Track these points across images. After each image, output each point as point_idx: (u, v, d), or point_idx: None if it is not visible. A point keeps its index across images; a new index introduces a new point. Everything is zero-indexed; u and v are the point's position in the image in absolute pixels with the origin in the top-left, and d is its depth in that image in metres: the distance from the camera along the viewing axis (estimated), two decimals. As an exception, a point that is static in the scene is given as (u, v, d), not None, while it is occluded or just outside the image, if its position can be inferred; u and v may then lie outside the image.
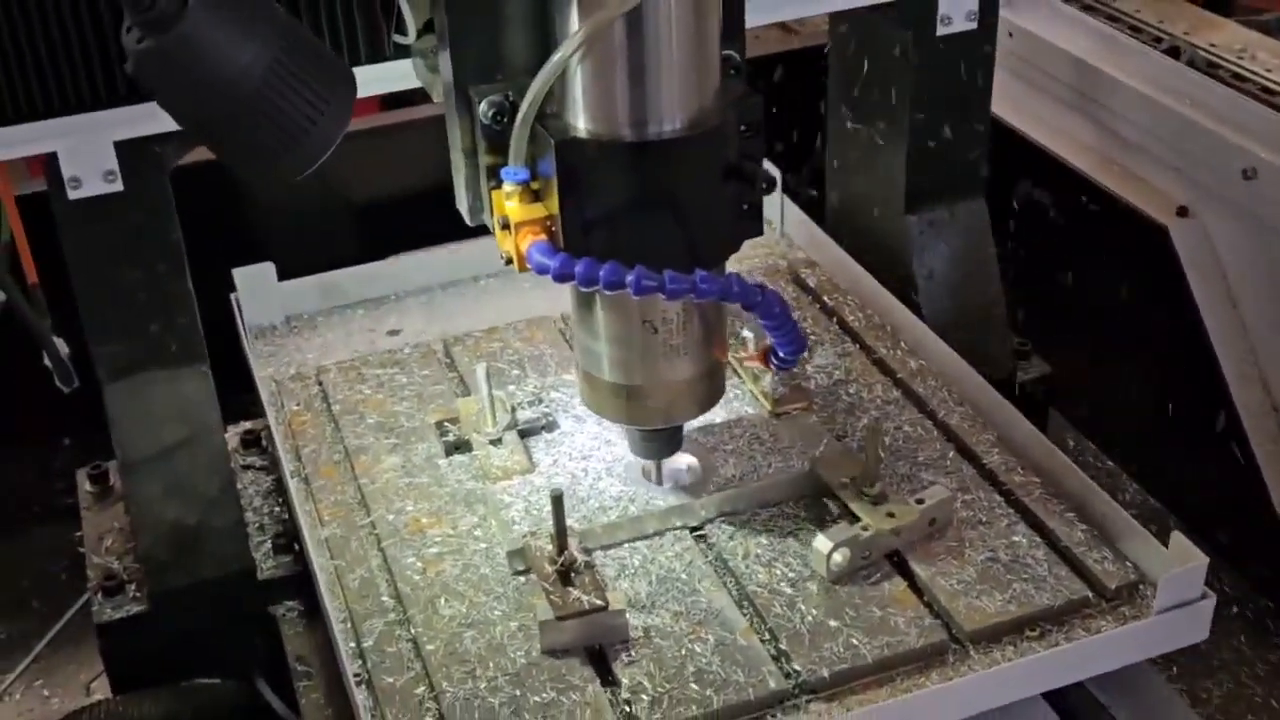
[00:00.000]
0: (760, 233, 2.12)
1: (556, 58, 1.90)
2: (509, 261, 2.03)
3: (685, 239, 2.01)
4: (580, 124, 1.97)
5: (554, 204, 1.97)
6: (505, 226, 2.01)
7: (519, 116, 1.96)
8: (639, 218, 1.98)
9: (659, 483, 2.34)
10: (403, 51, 2.28)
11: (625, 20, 1.89)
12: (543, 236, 1.98)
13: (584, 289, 1.97)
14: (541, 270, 1.96)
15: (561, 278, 1.94)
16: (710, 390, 2.24)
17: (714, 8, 1.97)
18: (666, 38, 1.91)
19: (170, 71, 1.80)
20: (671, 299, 2.00)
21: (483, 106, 2.01)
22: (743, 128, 2.03)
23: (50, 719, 2.64)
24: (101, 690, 2.72)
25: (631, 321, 2.12)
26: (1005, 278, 2.98)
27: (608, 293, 1.95)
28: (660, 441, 2.30)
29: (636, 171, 1.97)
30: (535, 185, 2.00)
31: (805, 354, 2.45)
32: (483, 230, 2.13)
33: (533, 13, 2.01)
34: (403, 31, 2.22)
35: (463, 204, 2.14)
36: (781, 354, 2.32)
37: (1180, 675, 2.71)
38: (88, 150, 2.31)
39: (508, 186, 1.99)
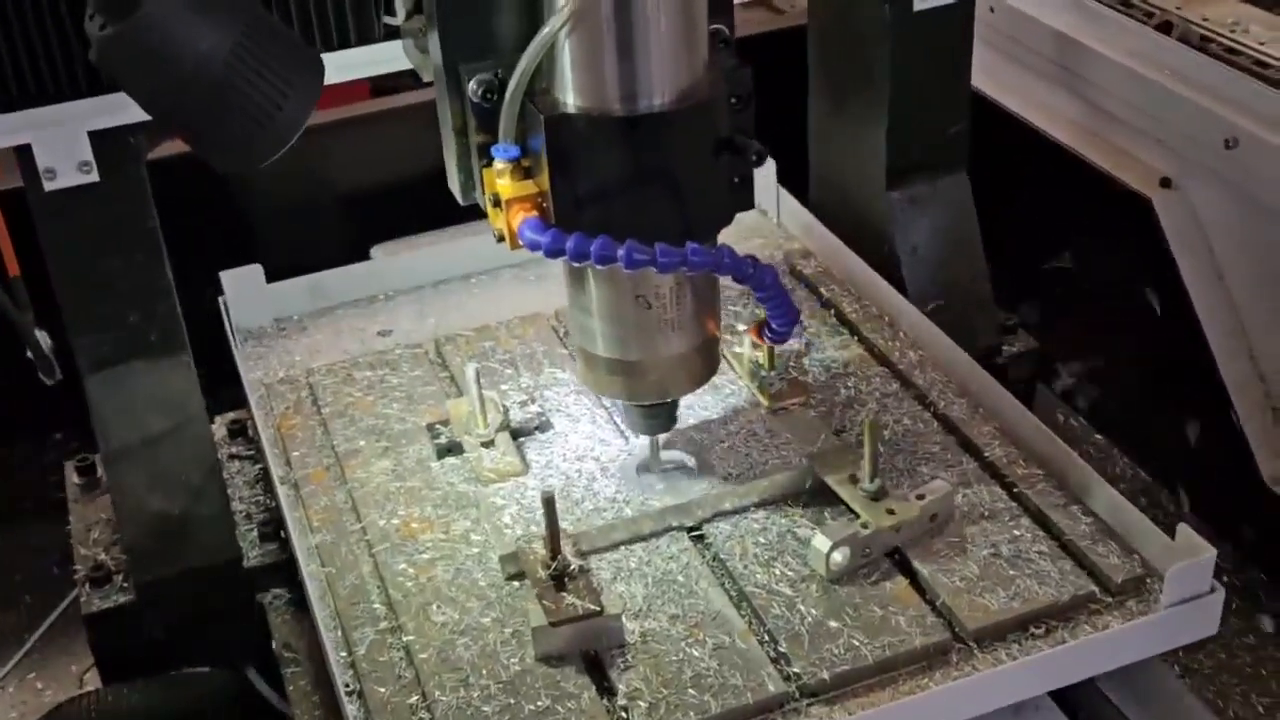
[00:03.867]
0: (751, 205, 2.04)
1: (544, 33, 1.84)
2: (501, 239, 1.98)
3: (677, 213, 1.94)
4: (570, 99, 1.90)
5: (545, 180, 1.91)
6: (497, 204, 1.96)
7: (508, 93, 1.90)
8: (630, 192, 1.92)
9: (654, 469, 2.25)
10: (392, 33, 2.22)
11: None
12: (534, 213, 1.92)
13: (576, 264, 1.92)
14: (533, 246, 1.90)
15: (553, 253, 1.88)
16: (705, 364, 2.16)
17: (702, -20, 1.91)
18: (655, 10, 1.84)
19: (133, 58, 1.76)
20: (663, 272, 1.93)
21: (472, 85, 1.95)
22: (733, 100, 1.96)
23: (43, 710, 2.56)
24: (94, 682, 2.65)
25: (624, 297, 2.05)
26: (989, 252, 2.91)
27: (600, 267, 1.90)
28: (658, 417, 2.21)
29: (627, 146, 1.90)
30: (526, 162, 1.94)
31: (799, 326, 2.37)
32: (472, 216, 2.10)
33: None
34: (391, 13, 2.19)
35: (454, 183, 2.07)
36: (775, 326, 2.24)
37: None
38: (62, 141, 2.26)
39: (498, 164, 1.93)
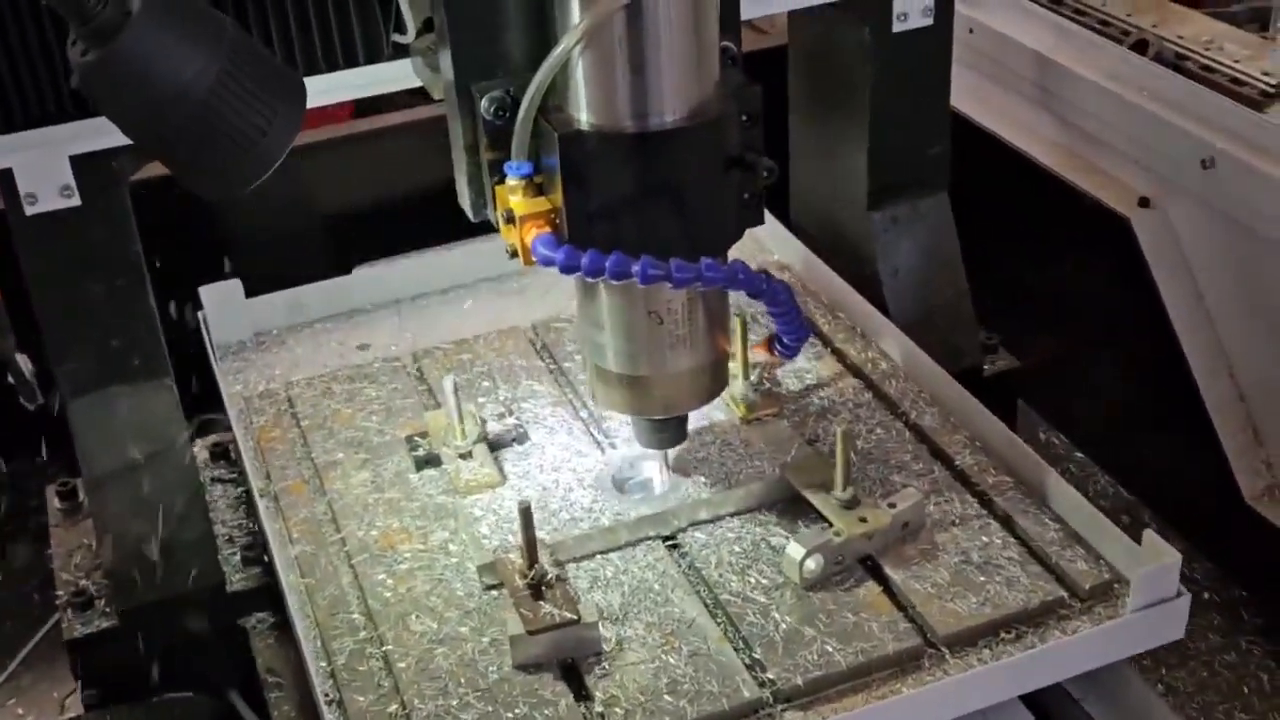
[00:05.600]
0: (761, 221, 2.08)
1: (558, 51, 1.88)
2: (514, 255, 2.01)
3: (688, 229, 1.99)
4: (582, 116, 1.94)
5: (558, 197, 1.95)
6: (510, 220, 1.99)
7: (521, 110, 1.94)
8: (642, 208, 1.96)
9: (662, 486, 2.32)
10: (401, 51, 2.27)
11: (625, 12, 1.86)
12: (547, 229, 1.96)
13: (590, 280, 1.96)
14: (547, 263, 1.94)
15: (568, 269, 1.92)
16: (715, 380, 2.20)
17: (713, -2, 1.95)
18: (667, 29, 1.88)
19: (115, 84, 1.76)
20: (678, 287, 1.98)
21: (484, 102, 1.99)
22: (743, 117, 1.99)
23: None
24: (76, 708, 2.63)
25: (637, 312, 2.08)
26: (970, 272, 2.95)
27: (614, 283, 1.94)
28: (668, 431, 2.25)
29: (639, 162, 1.94)
30: (538, 179, 1.98)
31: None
32: (457, 236, 2.17)
33: (532, 8, 1.98)
34: (401, 31, 2.23)
35: (465, 200, 2.11)
36: (786, 341, 2.31)
37: (1154, 664, 2.66)
38: (43, 165, 2.26)
39: (511, 181, 1.97)
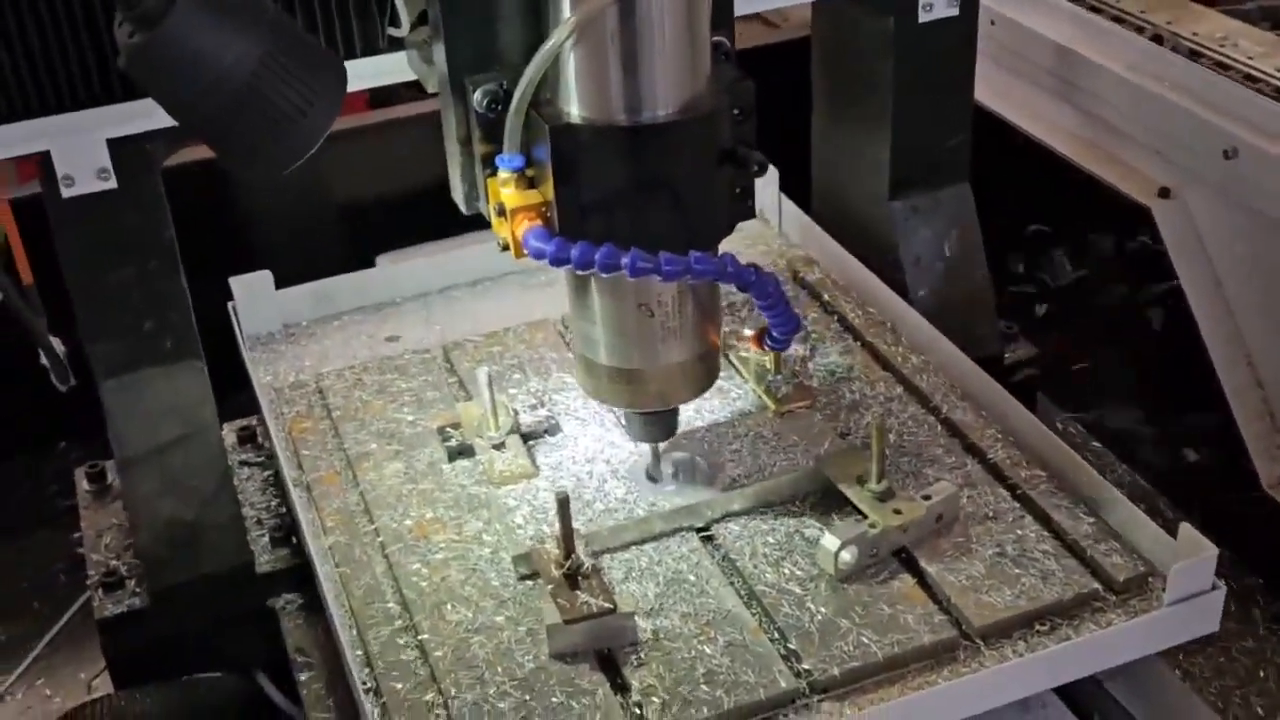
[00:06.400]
0: (753, 215, 2.08)
1: (549, 44, 1.88)
2: (505, 248, 2.01)
3: (679, 222, 1.98)
4: (574, 110, 1.94)
5: (549, 189, 1.95)
6: (501, 213, 1.99)
7: (513, 104, 1.94)
8: (633, 202, 1.95)
9: (658, 477, 2.30)
10: (396, 44, 2.27)
11: (618, 6, 1.86)
12: (538, 222, 1.96)
13: (580, 272, 1.96)
14: (538, 255, 1.94)
15: (558, 262, 1.93)
16: (706, 372, 2.20)
17: (705, -8, 1.95)
18: (659, 23, 1.88)
19: (161, 66, 1.78)
20: (668, 280, 1.97)
21: (477, 95, 1.99)
22: (735, 111, 1.99)
23: (52, 717, 2.62)
24: (103, 688, 2.67)
25: (627, 305, 2.08)
26: (991, 262, 2.94)
27: (604, 275, 1.94)
28: (659, 424, 2.25)
29: (631, 156, 1.94)
30: (530, 172, 1.98)
31: (800, 333, 2.40)
32: (474, 226, 2.13)
33: (525, 2, 1.98)
34: (396, 24, 2.22)
35: (458, 193, 2.11)
36: (775, 334, 2.28)
37: (1171, 651, 2.61)
38: (80, 149, 2.26)
39: (503, 174, 1.97)
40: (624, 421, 2.31)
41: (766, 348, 2.39)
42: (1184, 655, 2.66)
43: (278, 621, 2.43)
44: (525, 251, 1.96)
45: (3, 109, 2.19)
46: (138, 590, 2.44)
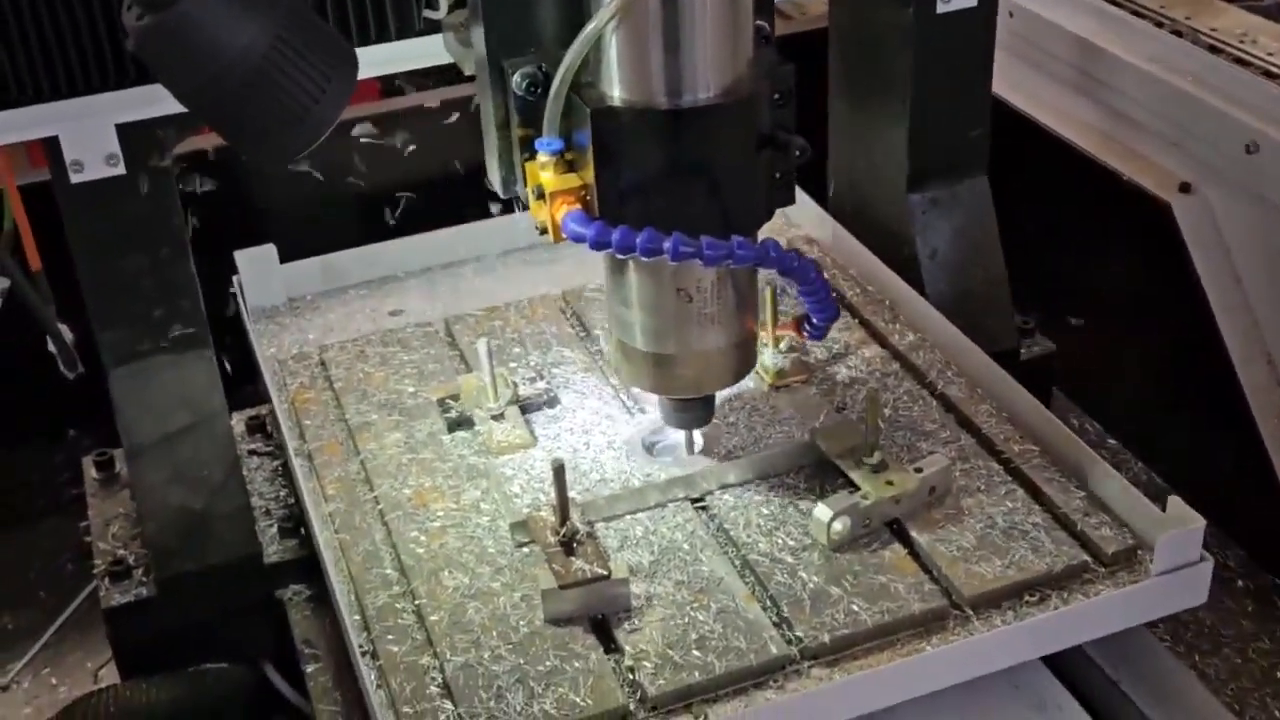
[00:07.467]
0: (793, 201, 2.16)
1: (591, 26, 1.94)
2: (544, 231, 2.07)
3: (719, 207, 2.04)
4: (615, 93, 2.00)
5: (589, 173, 2.01)
6: (540, 196, 2.05)
7: (553, 87, 1.99)
8: (674, 186, 2.02)
9: (691, 452, 2.39)
10: (433, 26, 2.33)
11: None
12: (578, 205, 2.02)
13: (620, 256, 2.02)
14: (577, 238, 2.00)
15: (598, 245, 1.99)
16: (742, 360, 2.27)
17: (746, -25, 1.99)
18: (701, 5, 1.94)
19: (171, 49, 1.83)
20: (709, 265, 2.03)
21: (516, 78, 2.05)
22: (775, 96, 2.06)
23: (58, 706, 2.65)
24: (109, 677, 2.76)
25: (665, 290, 2.16)
26: (1008, 256, 3.01)
27: (644, 260, 2.00)
28: (694, 411, 2.33)
29: (671, 139, 2.00)
30: (569, 155, 2.04)
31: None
32: (483, 213, 2.14)
33: None
34: (433, 6, 2.28)
35: (495, 177, 2.17)
36: (815, 320, 2.37)
37: (1187, 651, 2.77)
38: (89, 134, 2.34)
39: (542, 157, 2.03)
40: (659, 408, 2.38)
41: (805, 335, 2.47)
42: (1199, 656, 2.75)
43: (285, 612, 2.51)
44: (564, 235, 2.02)
45: (11, 93, 2.25)
46: (145, 579, 2.51)
